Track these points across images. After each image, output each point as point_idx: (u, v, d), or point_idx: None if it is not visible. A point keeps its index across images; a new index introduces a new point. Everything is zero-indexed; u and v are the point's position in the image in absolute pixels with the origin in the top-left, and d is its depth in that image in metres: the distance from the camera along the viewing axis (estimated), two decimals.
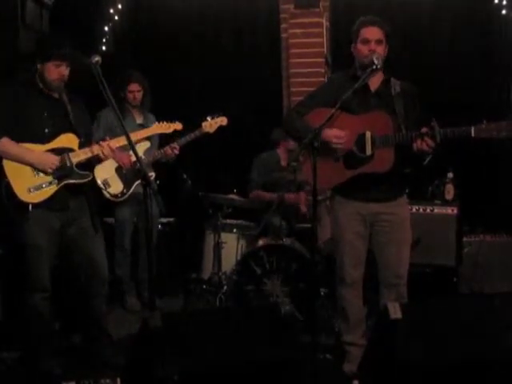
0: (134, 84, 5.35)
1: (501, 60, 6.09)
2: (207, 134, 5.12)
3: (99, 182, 5.12)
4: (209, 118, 5.11)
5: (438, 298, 4.63)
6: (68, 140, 3.99)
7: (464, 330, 2.93)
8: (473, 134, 3.52)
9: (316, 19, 6.34)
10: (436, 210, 5.35)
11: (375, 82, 3.90)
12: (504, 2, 5.96)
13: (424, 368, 2.69)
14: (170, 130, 4.76)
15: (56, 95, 4.00)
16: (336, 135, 3.77)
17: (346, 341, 4.06)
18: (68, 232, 4.01)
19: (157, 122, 4.73)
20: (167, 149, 5.10)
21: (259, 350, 2.79)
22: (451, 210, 5.32)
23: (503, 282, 5.47)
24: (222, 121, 5.14)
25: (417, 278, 4.39)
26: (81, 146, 4.02)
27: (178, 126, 4.81)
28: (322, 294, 4.94)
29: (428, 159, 3.78)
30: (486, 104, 5.90)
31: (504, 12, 6.01)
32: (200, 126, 5.10)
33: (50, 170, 3.88)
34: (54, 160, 3.89)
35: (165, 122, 4.71)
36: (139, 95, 5.37)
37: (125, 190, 5.23)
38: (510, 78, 5.97)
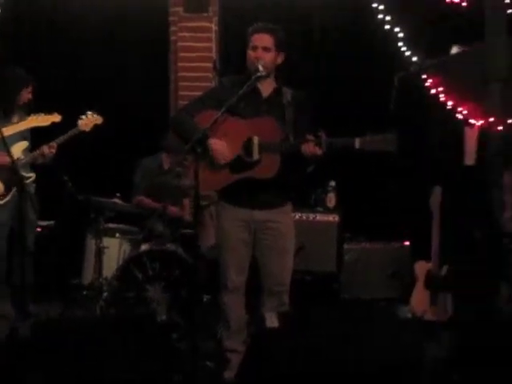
0: (32, 85, 5.11)
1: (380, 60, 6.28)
2: (84, 132, 4.99)
3: None
4: (84, 117, 4.99)
5: (317, 305, 4.74)
6: None
7: (342, 338, 2.97)
8: (357, 146, 3.59)
9: (205, 24, 6.32)
10: (318, 218, 5.46)
11: (267, 89, 3.92)
12: None
13: (299, 377, 2.71)
14: (48, 123, 4.57)
15: None
16: (222, 153, 3.76)
17: (227, 348, 4.03)
18: None
19: (32, 114, 4.51)
20: (44, 148, 4.91)
21: (133, 361, 2.72)
22: (333, 218, 5.45)
23: (382, 289, 5.63)
24: (97, 119, 5.03)
25: (299, 285, 4.45)
26: None
27: (57, 117, 4.63)
28: (205, 300, 4.90)
29: (311, 167, 3.82)
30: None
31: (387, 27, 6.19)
32: (76, 124, 4.97)
33: None
34: None
35: (42, 114, 4.51)
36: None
37: (5, 193, 4.99)
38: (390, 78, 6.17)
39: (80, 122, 4.96)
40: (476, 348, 3.56)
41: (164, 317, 4.54)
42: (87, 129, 4.99)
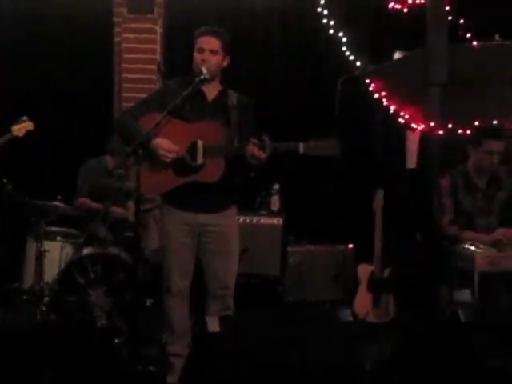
0: None
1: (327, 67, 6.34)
2: (17, 137, 4.91)
3: None
4: (17, 122, 4.92)
5: (261, 308, 4.74)
6: None
7: (286, 341, 2.98)
8: (301, 151, 3.62)
9: (150, 25, 6.28)
10: (262, 221, 5.48)
11: (212, 92, 3.91)
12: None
13: (241, 381, 2.70)
14: None
15: None
16: (167, 149, 3.72)
17: (171, 352, 3.99)
18: None
19: None
20: None
21: (74, 366, 2.68)
22: (277, 221, 5.48)
23: (326, 291, 5.66)
24: (28, 126, 4.96)
25: (243, 288, 4.44)
26: None
27: None
28: (148, 304, 4.85)
29: (254, 172, 3.82)
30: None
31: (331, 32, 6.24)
32: (10, 129, 4.90)
33: None
34: None
35: None
36: None
37: None
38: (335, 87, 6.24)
39: (13, 128, 4.89)
40: (418, 349, 3.62)
41: (104, 321, 4.46)
42: (20, 134, 4.92)
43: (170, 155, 3.74)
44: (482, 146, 4.53)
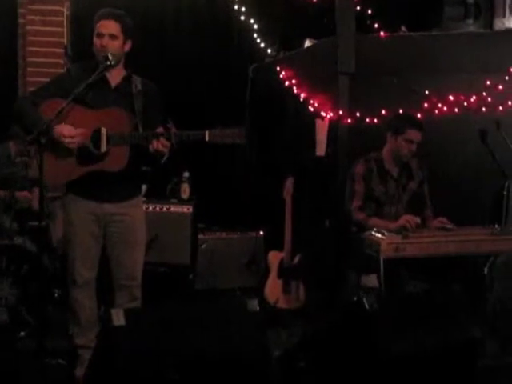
0: None
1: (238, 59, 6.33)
2: None
3: None
4: None
5: (171, 297, 4.71)
6: None
7: (194, 330, 2.96)
8: (207, 139, 3.60)
9: (56, 7, 6.09)
10: (172, 209, 5.45)
11: (116, 78, 3.83)
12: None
13: (147, 376, 2.67)
14: None
15: None
16: (69, 134, 3.62)
17: (78, 344, 3.94)
18: None
19: None
20: None
21: None
22: (187, 209, 5.45)
23: (237, 279, 5.67)
24: None
25: (152, 277, 4.41)
26: None
27: None
28: (56, 295, 4.75)
29: (165, 158, 3.77)
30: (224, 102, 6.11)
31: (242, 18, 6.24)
32: None
33: None
34: None
35: None
36: None
37: None
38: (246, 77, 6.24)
39: None
40: (325, 335, 3.67)
41: (5, 316, 4.34)
42: None
43: (75, 140, 3.64)
44: (403, 134, 4.55)
